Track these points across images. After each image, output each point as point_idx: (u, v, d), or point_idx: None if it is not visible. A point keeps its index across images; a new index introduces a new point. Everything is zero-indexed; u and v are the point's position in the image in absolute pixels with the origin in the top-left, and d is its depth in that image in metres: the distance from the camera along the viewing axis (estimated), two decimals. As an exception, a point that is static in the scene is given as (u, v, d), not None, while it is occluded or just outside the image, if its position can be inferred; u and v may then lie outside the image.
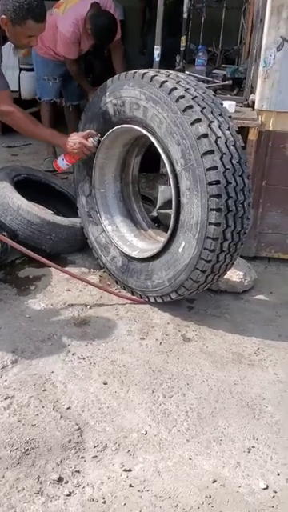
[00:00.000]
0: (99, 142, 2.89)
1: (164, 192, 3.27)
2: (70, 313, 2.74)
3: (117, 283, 2.99)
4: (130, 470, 1.87)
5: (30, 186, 3.42)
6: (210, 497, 1.80)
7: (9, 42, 2.74)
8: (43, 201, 3.52)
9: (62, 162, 3.05)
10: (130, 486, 1.82)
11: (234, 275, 2.98)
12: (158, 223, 3.24)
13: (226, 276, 2.85)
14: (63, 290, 2.93)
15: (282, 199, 3.22)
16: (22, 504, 1.72)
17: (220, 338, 2.67)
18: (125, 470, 1.87)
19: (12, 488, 1.77)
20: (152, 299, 2.79)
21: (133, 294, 2.89)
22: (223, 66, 4.42)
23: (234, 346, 2.62)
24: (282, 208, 3.25)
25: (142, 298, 2.85)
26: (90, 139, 2.89)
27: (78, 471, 1.85)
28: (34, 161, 4.72)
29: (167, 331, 2.67)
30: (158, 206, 3.31)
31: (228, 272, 2.79)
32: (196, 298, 2.93)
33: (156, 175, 4.32)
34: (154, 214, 3.30)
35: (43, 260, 2.81)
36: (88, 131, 2.91)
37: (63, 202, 3.57)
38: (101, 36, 4.05)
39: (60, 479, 1.81)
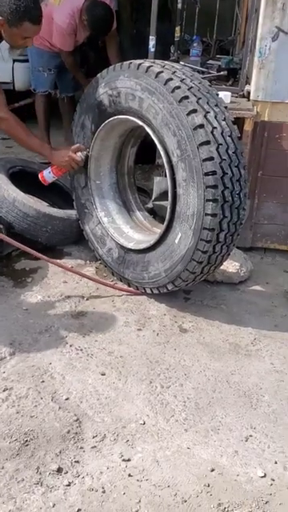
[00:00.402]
0: (87, 156, 2.91)
1: (159, 183, 3.27)
2: (66, 304, 2.74)
3: (113, 275, 3.00)
4: (128, 460, 1.89)
5: (25, 178, 3.40)
6: (209, 485, 1.82)
7: (4, 42, 2.72)
8: (38, 193, 3.50)
9: (49, 175, 3.07)
10: (129, 475, 1.83)
11: (230, 266, 2.99)
12: (154, 215, 3.24)
13: (222, 267, 2.86)
14: (60, 281, 2.93)
15: (277, 190, 3.23)
16: (21, 495, 1.73)
17: (216, 328, 2.68)
18: (124, 460, 1.88)
19: (12, 479, 1.78)
20: (148, 290, 2.80)
21: (129, 286, 2.90)
22: (218, 56, 4.41)
23: (231, 336, 2.63)
24: (277, 198, 3.26)
25: (138, 289, 2.85)
26: (79, 153, 2.91)
27: (78, 461, 1.86)
28: (29, 152, 4.67)
29: (164, 322, 2.67)
30: (153, 198, 3.31)
31: (224, 263, 2.80)
32: (192, 289, 2.94)
33: (151, 167, 4.32)
34: (150, 205, 3.31)
35: (37, 254, 2.81)
36: (77, 145, 2.93)
37: (58, 194, 3.55)
38: (97, 27, 4.03)
39: (59, 469, 1.82)
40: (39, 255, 2.84)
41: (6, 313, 2.64)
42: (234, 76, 3.60)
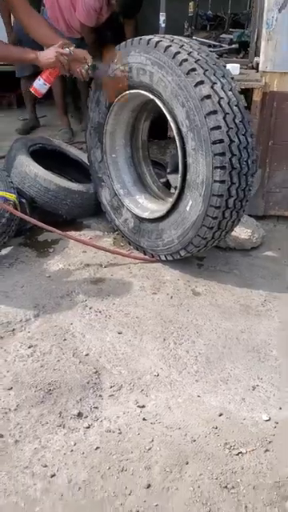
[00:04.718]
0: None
1: (174, 156, 3.38)
2: (86, 272, 2.91)
3: (129, 244, 3.15)
4: (143, 406, 2.05)
5: (45, 155, 3.56)
6: (217, 428, 1.97)
7: None
8: (58, 169, 3.67)
9: (40, 84, 2.96)
10: (144, 419, 1.99)
11: (242, 233, 3.10)
12: (170, 187, 3.37)
13: (234, 234, 2.98)
14: (79, 251, 3.10)
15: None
16: (46, 435, 1.91)
17: (228, 291, 2.81)
18: (139, 406, 2.05)
19: (37, 422, 1.96)
20: (163, 257, 2.94)
21: (145, 254, 3.05)
22: (231, 30, 4.46)
23: (242, 298, 2.76)
24: (288, 166, 3.34)
25: (153, 256, 3.00)
26: (66, 48, 2.88)
27: (96, 407, 2.04)
28: (50, 131, 4.84)
29: (178, 286, 2.82)
30: (168, 171, 3.44)
31: (236, 230, 2.91)
32: (205, 256, 3.07)
33: (167, 142, 4.42)
34: (166, 178, 3.43)
35: (50, 228, 2.95)
36: (61, 41, 2.89)
37: (77, 170, 3.71)
38: (125, 8, 4.10)
39: (80, 414, 2.00)
40: (52, 229, 2.96)
41: (31, 280, 2.82)
42: (245, 49, 3.66)
